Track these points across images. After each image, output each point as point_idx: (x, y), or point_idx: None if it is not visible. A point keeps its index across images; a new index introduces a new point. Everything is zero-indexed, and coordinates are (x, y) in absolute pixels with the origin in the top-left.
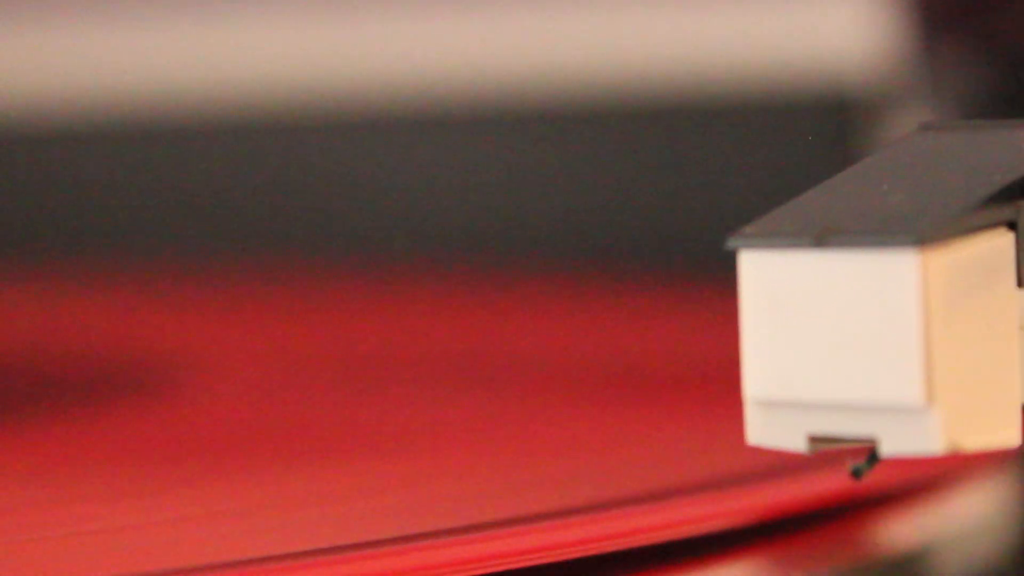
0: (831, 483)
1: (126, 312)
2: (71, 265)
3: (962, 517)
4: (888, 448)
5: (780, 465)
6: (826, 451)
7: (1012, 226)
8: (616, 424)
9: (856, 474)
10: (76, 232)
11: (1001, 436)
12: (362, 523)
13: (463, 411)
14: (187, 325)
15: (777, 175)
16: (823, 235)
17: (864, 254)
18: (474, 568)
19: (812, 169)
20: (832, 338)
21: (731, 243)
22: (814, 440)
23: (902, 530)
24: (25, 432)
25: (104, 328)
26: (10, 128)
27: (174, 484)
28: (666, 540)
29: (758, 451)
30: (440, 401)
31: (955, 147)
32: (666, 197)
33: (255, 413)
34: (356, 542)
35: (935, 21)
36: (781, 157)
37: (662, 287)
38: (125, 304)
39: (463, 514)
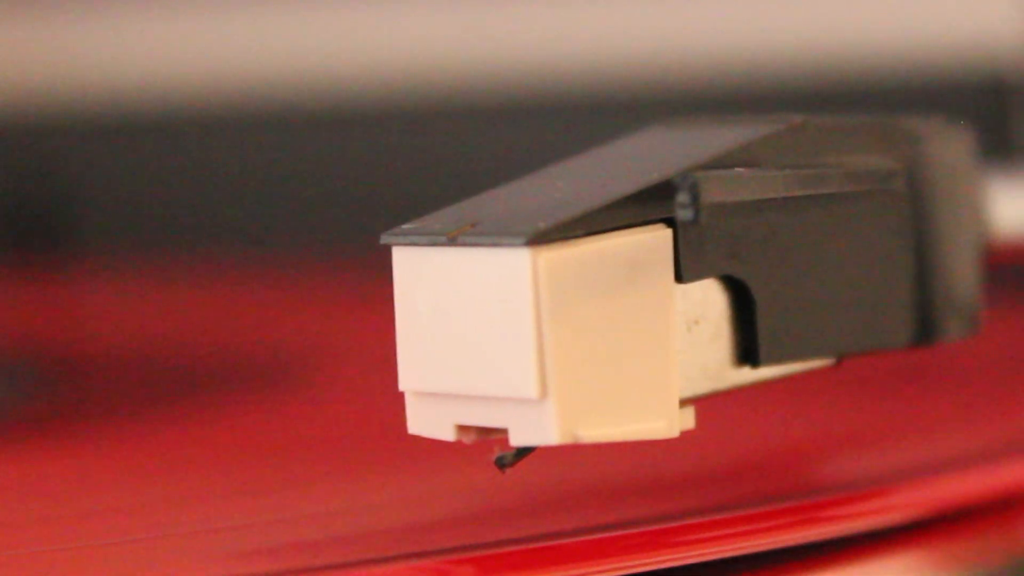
0: None
1: (253, 308)
2: (192, 260)
3: None
4: (515, 438)
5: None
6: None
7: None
8: None
9: (500, 464)
10: (201, 226)
11: (649, 427)
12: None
13: None
14: (314, 321)
15: None
16: (456, 233)
17: (484, 252)
18: None
19: None
20: (464, 332)
21: (384, 239)
22: (461, 430)
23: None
24: (143, 429)
25: (229, 324)
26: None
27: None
28: None
29: None
30: None
31: (657, 144)
32: None
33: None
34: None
35: None
36: None
37: None
38: (252, 300)
39: None
